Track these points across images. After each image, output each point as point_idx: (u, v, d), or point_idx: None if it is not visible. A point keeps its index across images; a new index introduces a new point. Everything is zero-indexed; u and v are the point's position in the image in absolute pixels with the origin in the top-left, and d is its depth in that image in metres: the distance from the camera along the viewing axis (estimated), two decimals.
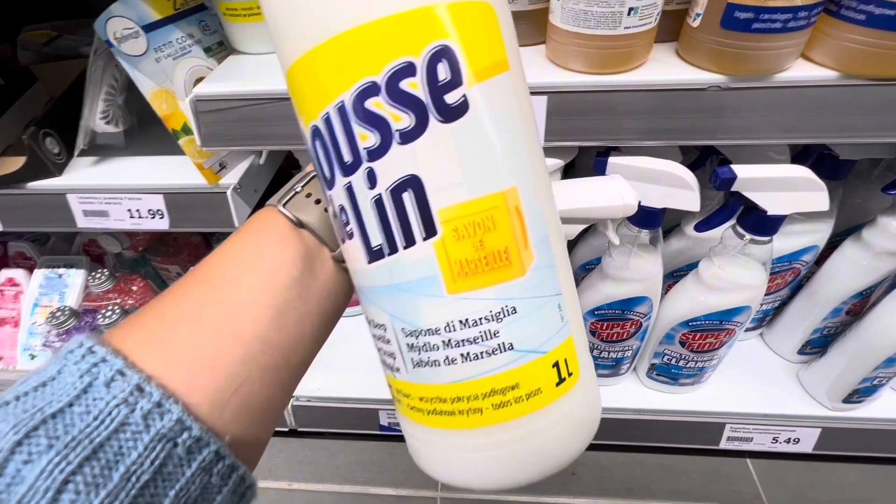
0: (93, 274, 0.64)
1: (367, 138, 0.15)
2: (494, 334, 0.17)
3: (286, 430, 0.68)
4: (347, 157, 0.16)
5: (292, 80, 0.17)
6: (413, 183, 0.15)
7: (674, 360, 0.57)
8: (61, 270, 0.67)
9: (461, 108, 0.15)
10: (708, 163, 0.53)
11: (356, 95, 0.15)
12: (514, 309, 0.17)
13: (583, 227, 0.43)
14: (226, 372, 0.17)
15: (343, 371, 0.66)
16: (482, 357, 0.17)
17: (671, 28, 0.42)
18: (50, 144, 0.52)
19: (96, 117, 0.52)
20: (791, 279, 0.58)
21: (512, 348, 0.17)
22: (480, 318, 0.16)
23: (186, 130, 0.47)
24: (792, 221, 0.53)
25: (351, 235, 0.17)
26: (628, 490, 0.63)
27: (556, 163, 0.44)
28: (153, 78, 0.44)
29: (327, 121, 0.16)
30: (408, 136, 0.15)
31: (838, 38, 0.36)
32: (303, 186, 0.23)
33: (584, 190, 0.37)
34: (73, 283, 0.66)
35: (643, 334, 0.55)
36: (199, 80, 0.46)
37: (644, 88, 0.38)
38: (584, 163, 0.55)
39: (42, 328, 0.65)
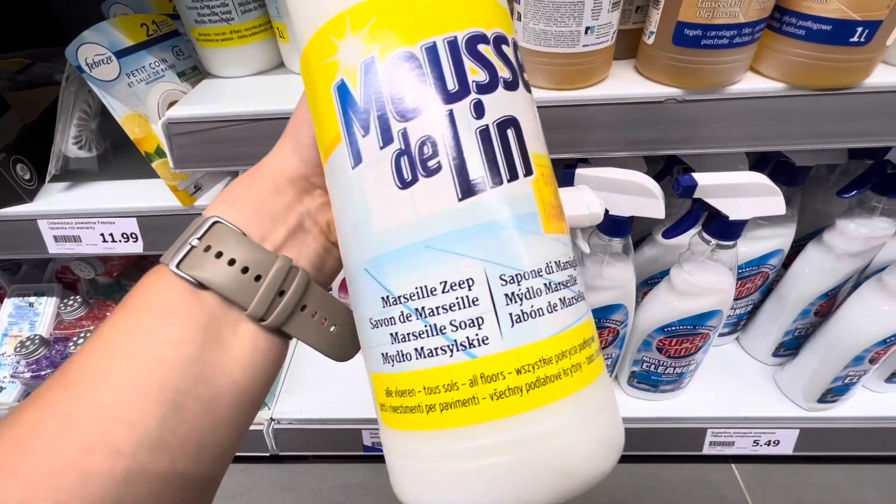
0: (65, 301, 0.63)
1: (477, 73, 0.16)
2: (575, 280, 0.17)
3: (267, 454, 0.66)
4: (452, 86, 0.16)
5: (372, 12, 0.16)
6: (515, 123, 0.16)
7: (653, 366, 0.57)
8: (32, 299, 0.66)
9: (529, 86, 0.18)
10: (673, 172, 0.55)
11: (469, 37, 0.16)
12: (575, 260, 0.18)
13: None
14: (102, 501, 0.14)
15: (324, 390, 0.65)
16: (573, 303, 0.17)
17: (629, 45, 0.44)
18: (21, 171, 0.52)
19: (69, 142, 0.52)
20: (760, 283, 0.60)
21: (583, 298, 0.18)
22: (566, 262, 0.17)
23: (160, 153, 0.47)
24: (756, 227, 0.55)
25: (436, 170, 0.15)
26: (617, 502, 0.62)
27: None
28: (126, 102, 0.45)
29: (431, 49, 0.16)
30: (509, 86, 0.17)
31: (782, 51, 0.39)
32: (200, 239, 0.19)
33: None
34: (44, 312, 0.65)
35: (621, 342, 0.56)
36: (173, 103, 0.47)
37: (605, 103, 0.40)
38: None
39: (11, 359, 0.63)
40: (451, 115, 0.15)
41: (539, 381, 0.15)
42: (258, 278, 0.19)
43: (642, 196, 0.42)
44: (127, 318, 0.18)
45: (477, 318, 0.15)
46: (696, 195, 0.41)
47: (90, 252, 0.52)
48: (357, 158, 0.17)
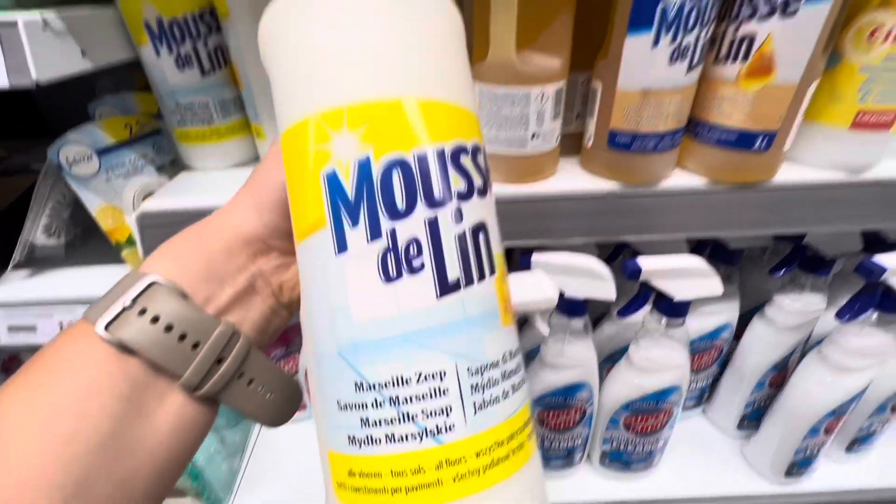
0: None
1: (458, 182, 0.18)
2: (521, 366, 0.19)
3: None
4: (439, 194, 0.17)
5: (370, 115, 0.17)
6: (485, 227, 0.19)
7: (622, 445, 0.57)
8: None
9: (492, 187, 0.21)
10: (622, 255, 0.59)
11: (454, 149, 0.18)
12: (519, 348, 0.20)
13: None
14: None
15: (288, 482, 0.61)
16: (520, 388, 0.19)
17: (574, 145, 0.50)
18: None
19: (38, 231, 0.52)
20: (716, 356, 0.63)
21: (525, 381, 0.20)
22: (515, 350, 0.19)
23: (131, 242, 0.48)
24: (705, 303, 0.58)
25: (419, 269, 0.17)
26: None
27: None
28: (102, 195, 0.47)
29: (423, 158, 0.17)
30: (481, 193, 0.19)
31: (702, 153, 0.45)
32: (135, 300, 0.18)
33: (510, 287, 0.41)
34: None
35: (589, 420, 0.56)
36: (149, 195, 0.49)
37: (553, 197, 0.45)
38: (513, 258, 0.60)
39: None
40: (435, 220, 0.17)
41: (493, 462, 0.17)
42: (196, 345, 0.18)
43: (593, 279, 0.45)
44: (40, 383, 0.16)
45: (446, 407, 0.16)
46: (641, 279, 0.45)
47: (45, 342, 0.50)
48: (342, 247, 0.17)
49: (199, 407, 0.19)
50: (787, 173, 0.45)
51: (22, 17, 0.35)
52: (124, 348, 0.17)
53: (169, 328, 0.18)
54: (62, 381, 0.16)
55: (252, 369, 0.21)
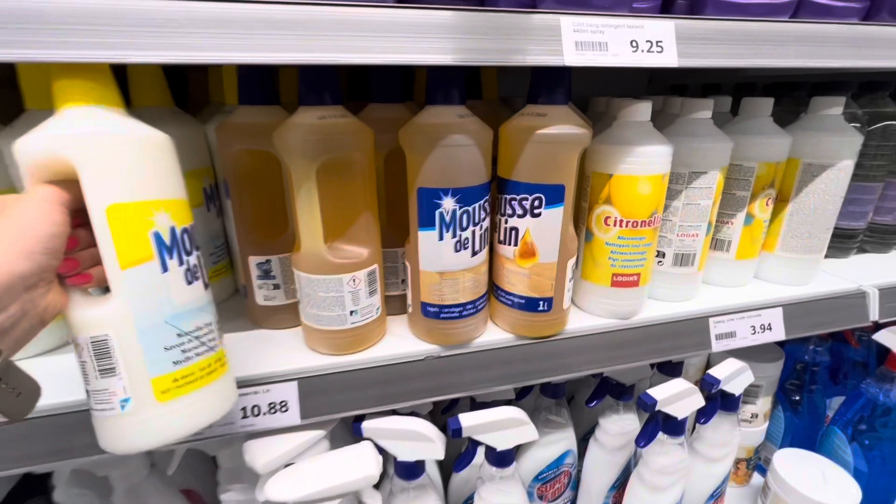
0: None
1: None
2: (212, 329, 0.37)
3: None
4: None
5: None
6: (196, 261, 0.37)
7: None
8: None
9: None
10: (456, 407, 0.64)
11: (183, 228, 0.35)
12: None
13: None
14: None
15: None
16: (214, 341, 0.37)
17: (405, 305, 0.54)
18: None
19: None
20: (567, 481, 0.66)
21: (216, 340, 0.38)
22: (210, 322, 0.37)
23: None
24: (543, 434, 0.63)
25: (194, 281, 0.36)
26: None
27: (318, 433, 0.48)
28: None
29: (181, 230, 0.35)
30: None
31: (504, 313, 0.52)
32: None
33: (331, 471, 0.42)
34: None
35: None
36: None
37: (375, 365, 0.48)
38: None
39: None
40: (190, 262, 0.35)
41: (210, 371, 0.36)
42: None
43: (422, 440, 0.47)
44: None
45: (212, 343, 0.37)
46: (464, 435, 0.48)
47: None
48: (164, 269, 0.33)
49: None
50: (578, 322, 0.54)
51: None
52: None
53: None
54: None
55: (7, 375, 0.29)
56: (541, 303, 0.49)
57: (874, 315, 0.63)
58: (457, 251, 0.45)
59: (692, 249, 0.56)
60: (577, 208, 0.54)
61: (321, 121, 0.41)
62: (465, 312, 0.48)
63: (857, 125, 0.65)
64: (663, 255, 0.57)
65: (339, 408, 0.47)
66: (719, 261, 0.62)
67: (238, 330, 0.53)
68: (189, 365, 0.34)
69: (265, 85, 0.47)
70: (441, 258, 0.46)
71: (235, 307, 0.58)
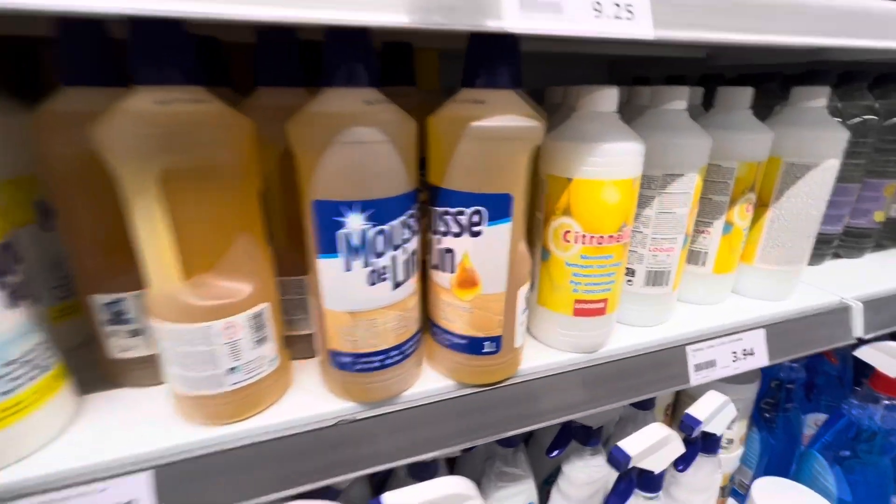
0: None
1: None
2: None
3: None
4: None
5: None
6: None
7: None
8: None
9: None
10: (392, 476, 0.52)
11: None
12: None
13: None
14: None
15: None
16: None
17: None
18: None
19: None
20: None
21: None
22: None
23: None
24: (498, 489, 0.53)
25: None
26: None
27: None
28: None
29: None
30: None
31: (442, 355, 0.41)
32: None
33: None
34: None
35: None
36: None
37: (267, 438, 0.35)
38: None
39: None
40: None
41: None
42: None
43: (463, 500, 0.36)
44: None
45: None
46: None
47: None
48: None
49: None
50: (534, 359, 0.44)
51: None
52: None
53: None
54: None
55: None
56: (486, 343, 0.39)
57: (858, 331, 0.56)
58: (371, 284, 0.34)
59: (667, 266, 0.47)
60: (531, 219, 0.43)
61: (162, 107, 0.28)
62: (388, 361, 0.37)
63: (839, 120, 0.58)
64: (633, 273, 0.48)
65: (217, 502, 0.34)
66: (694, 276, 0.54)
67: (87, 389, 0.39)
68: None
69: (97, 55, 0.33)
70: (351, 294, 0.34)
71: (89, 357, 0.43)
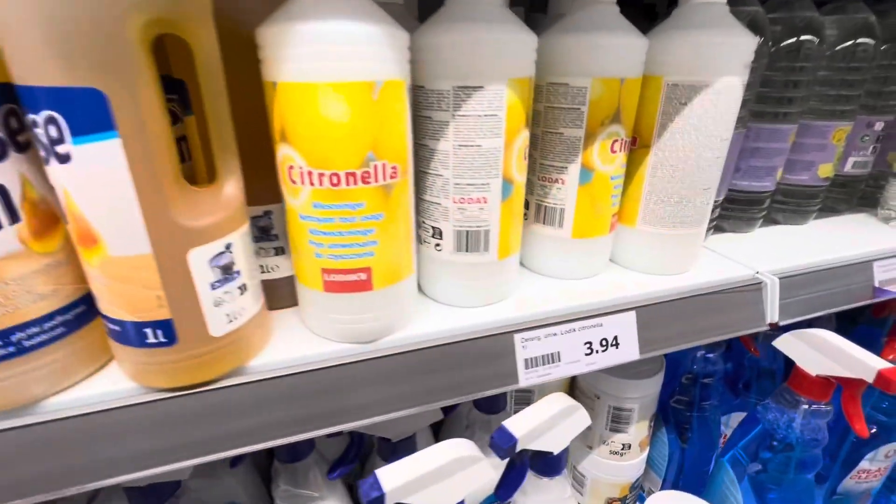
0: None
1: None
2: None
3: None
4: None
5: None
6: None
7: None
8: None
9: None
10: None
11: None
12: None
13: None
14: None
15: None
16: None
17: None
18: None
19: None
20: None
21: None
22: None
23: None
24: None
25: None
26: None
27: None
28: None
29: None
30: None
31: (115, 349, 0.28)
32: None
33: None
34: None
35: None
36: None
37: None
38: None
39: None
40: None
41: None
42: None
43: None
44: None
45: None
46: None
47: None
48: None
49: None
50: (283, 350, 0.32)
51: None
52: None
53: None
54: None
55: None
56: (150, 331, 0.26)
57: (772, 315, 0.43)
58: None
59: (481, 223, 0.34)
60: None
61: None
62: (26, 342, 0.25)
63: (761, 37, 0.43)
64: (440, 234, 0.35)
65: None
66: (552, 241, 0.40)
67: None
68: None
69: None
70: None
71: None
